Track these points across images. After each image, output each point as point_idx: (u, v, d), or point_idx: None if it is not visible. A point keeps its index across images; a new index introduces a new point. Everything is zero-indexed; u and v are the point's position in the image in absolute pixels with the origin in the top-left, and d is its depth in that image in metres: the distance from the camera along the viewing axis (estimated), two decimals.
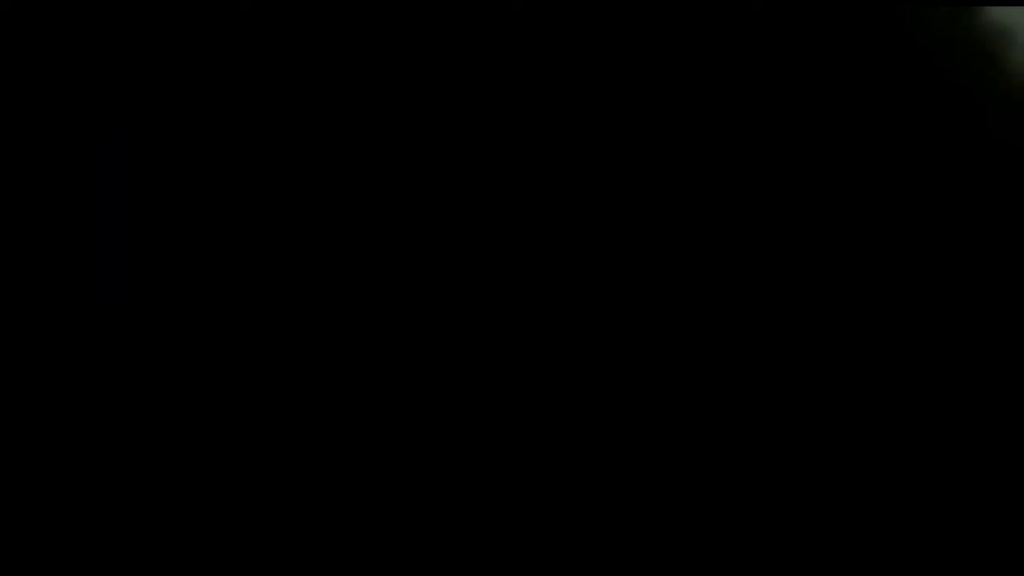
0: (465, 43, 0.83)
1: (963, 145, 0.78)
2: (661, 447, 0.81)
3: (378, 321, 0.83)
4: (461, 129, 0.84)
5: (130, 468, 0.81)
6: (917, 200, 0.80)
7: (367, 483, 0.81)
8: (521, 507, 0.81)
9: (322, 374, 0.82)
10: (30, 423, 0.81)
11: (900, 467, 0.80)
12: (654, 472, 0.81)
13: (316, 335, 0.83)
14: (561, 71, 0.84)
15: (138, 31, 0.83)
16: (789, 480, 0.81)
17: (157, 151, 0.83)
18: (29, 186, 0.83)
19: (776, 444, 0.81)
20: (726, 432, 0.81)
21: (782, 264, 0.82)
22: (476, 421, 0.82)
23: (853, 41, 0.80)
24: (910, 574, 0.80)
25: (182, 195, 0.83)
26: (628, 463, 0.81)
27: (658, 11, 0.83)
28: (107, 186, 0.83)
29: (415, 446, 0.82)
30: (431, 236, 0.83)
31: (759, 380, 0.81)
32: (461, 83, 0.83)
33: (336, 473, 0.81)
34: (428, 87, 0.84)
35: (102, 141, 0.83)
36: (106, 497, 0.80)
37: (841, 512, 0.81)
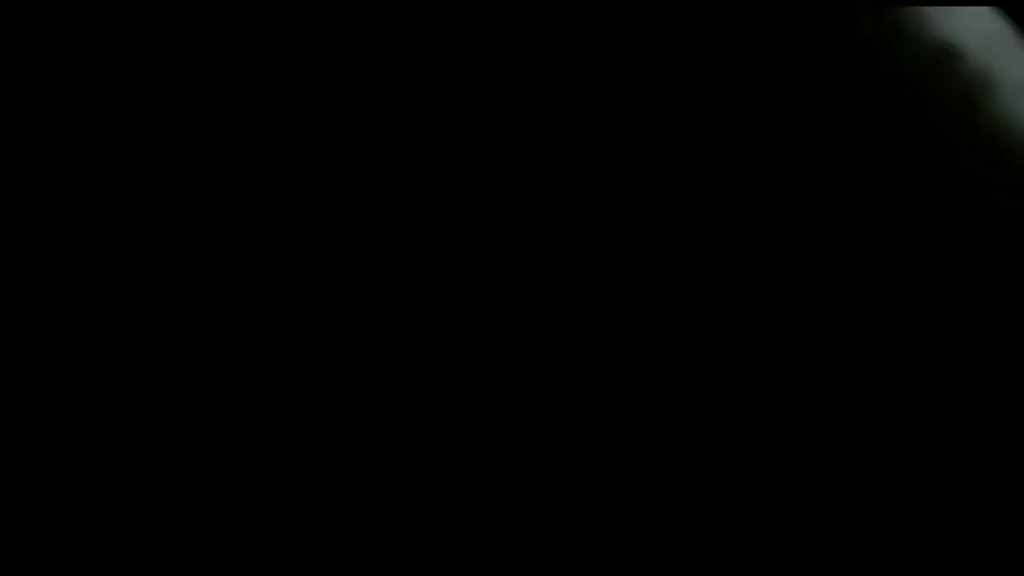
0: (465, 43, 0.83)
1: (942, 191, 0.79)
2: (653, 445, 0.82)
3: (378, 321, 0.83)
4: (461, 129, 0.84)
5: (130, 468, 0.81)
6: (896, 245, 0.81)
7: (367, 483, 0.81)
8: (521, 507, 0.81)
9: (322, 374, 0.82)
10: (30, 423, 0.81)
11: (889, 467, 0.80)
12: (646, 472, 0.81)
13: (316, 335, 0.83)
14: (561, 71, 0.84)
15: (138, 31, 0.83)
16: (781, 479, 0.81)
17: (157, 151, 0.83)
18: (29, 186, 0.83)
19: (770, 444, 0.81)
20: (719, 431, 0.82)
21: (772, 274, 0.82)
22: (476, 421, 0.82)
23: (833, 88, 0.81)
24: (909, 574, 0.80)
25: (182, 195, 0.83)
26: (621, 463, 0.82)
27: (658, 11, 0.83)
28: (107, 186, 0.83)
29: (415, 446, 0.82)
30: (432, 236, 0.83)
31: (752, 380, 0.82)
32: (461, 83, 0.84)
33: (336, 473, 0.81)
34: (428, 87, 0.84)
35: (102, 141, 0.83)
36: (106, 497, 0.80)
37: (837, 511, 0.81)
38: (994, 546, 0.80)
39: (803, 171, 0.82)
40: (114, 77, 0.83)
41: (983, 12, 0.74)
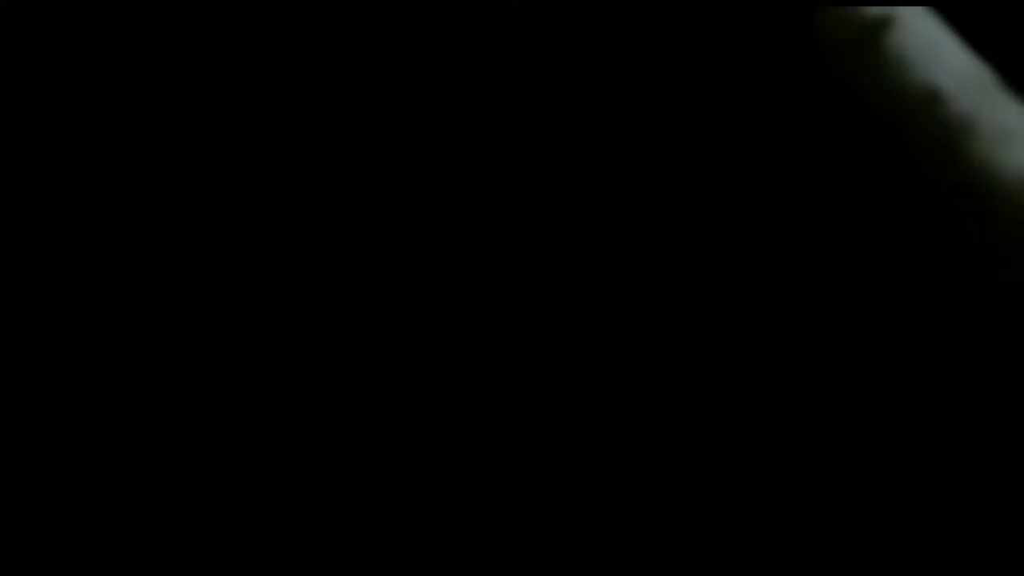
0: (465, 43, 0.83)
1: (923, 232, 0.79)
2: (648, 444, 0.82)
3: (378, 320, 0.83)
4: (461, 129, 0.84)
5: (130, 468, 0.80)
6: (876, 283, 0.81)
7: (367, 483, 0.81)
8: (521, 507, 0.81)
9: (322, 374, 0.82)
10: (30, 423, 0.80)
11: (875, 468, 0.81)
12: (642, 471, 0.81)
13: (316, 335, 0.82)
14: (561, 71, 0.84)
15: (138, 31, 0.83)
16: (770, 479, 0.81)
17: (157, 151, 0.83)
18: (29, 186, 0.83)
19: (764, 443, 0.81)
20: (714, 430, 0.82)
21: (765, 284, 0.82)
22: (476, 421, 0.82)
23: (817, 129, 0.81)
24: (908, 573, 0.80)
25: (182, 195, 0.83)
26: (619, 462, 0.82)
27: (658, 11, 0.83)
28: (107, 186, 0.82)
29: (415, 446, 0.82)
30: (432, 236, 0.83)
31: (747, 381, 0.82)
32: (461, 83, 0.84)
33: (336, 473, 0.81)
34: (428, 87, 0.84)
35: (102, 141, 0.83)
36: (106, 497, 0.80)
37: (832, 511, 0.81)
38: (992, 547, 0.80)
39: (787, 213, 0.82)
40: (114, 77, 0.83)
41: (964, 57, 0.75)
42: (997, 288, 0.75)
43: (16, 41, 0.83)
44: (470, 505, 0.80)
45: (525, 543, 0.80)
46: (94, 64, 0.83)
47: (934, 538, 0.79)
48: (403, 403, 0.82)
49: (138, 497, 0.80)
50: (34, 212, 0.83)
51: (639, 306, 0.83)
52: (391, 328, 0.82)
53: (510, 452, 0.81)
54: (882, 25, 0.76)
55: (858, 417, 0.80)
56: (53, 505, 0.79)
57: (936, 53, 0.76)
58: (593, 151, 0.84)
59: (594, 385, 0.82)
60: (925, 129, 0.74)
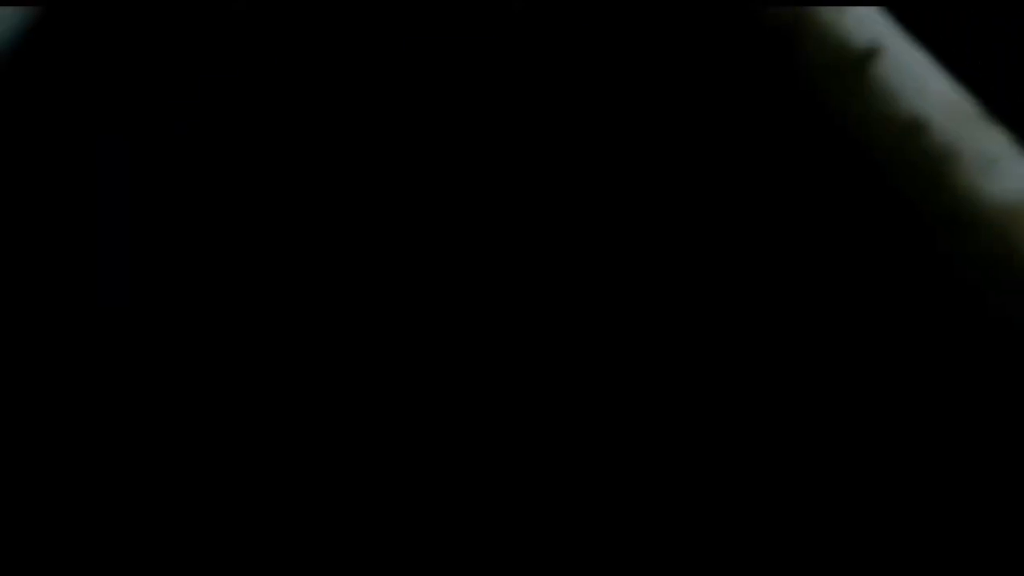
0: (465, 43, 0.83)
1: (909, 263, 0.80)
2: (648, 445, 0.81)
3: (378, 320, 0.82)
4: (461, 129, 0.84)
5: (128, 468, 0.80)
6: (861, 313, 0.82)
7: (367, 483, 0.81)
8: (521, 507, 0.81)
9: (322, 374, 0.82)
10: (27, 423, 0.80)
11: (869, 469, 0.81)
12: (641, 471, 0.81)
13: (316, 335, 0.82)
14: (561, 71, 0.84)
15: (134, 31, 0.83)
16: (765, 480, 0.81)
17: (153, 151, 0.83)
18: (23, 186, 0.82)
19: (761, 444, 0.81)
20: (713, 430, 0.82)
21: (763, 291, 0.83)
22: (476, 421, 0.82)
23: (801, 158, 0.82)
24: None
25: (178, 195, 0.82)
26: (618, 462, 0.81)
27: (659, 11, 0.83)
28: (102, 186, 0.82)
29: (415, 447, 0.81)
30: (431, 236, 0.83)
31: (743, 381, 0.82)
32: (461, 83, 0.84)
33: (336, 473, 0.81)
34: (428, 87, 0.84)
35: (97, 141, 0.82)
36: (106, 497, 0.79)
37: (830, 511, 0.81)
38: (990, 548, 0.80)
39: (770, 237, 0.83)
40: (110, 77, 0.83)
41: (948, 87, 0.77)
42: (984, 313, 0.76)
43: (14, 40, 0.83)
44: (470, 505, 0.80)
45: (525, 543, 0.80)
46: (89, 64, 0.83)
47: (926, 540, 0.79)
48: (404, 403, 0.81)
49: (137, 497, 0.79)
50: (29, 212, 0.82)
51: (629, 308, 0.83)
52: (391, 327, 0.82)
53: (510, 452, 0.81)
54: (867, 55, 0.77)
55: (842, 433, 0.80)
56: (52, 505, 0.79)
57: (920, 82, 0.77)
58: (592, 152, 0.84)
59: (584, 385, 0.82)
60: (909, 158, 0.76)
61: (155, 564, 0.78)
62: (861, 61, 0.77)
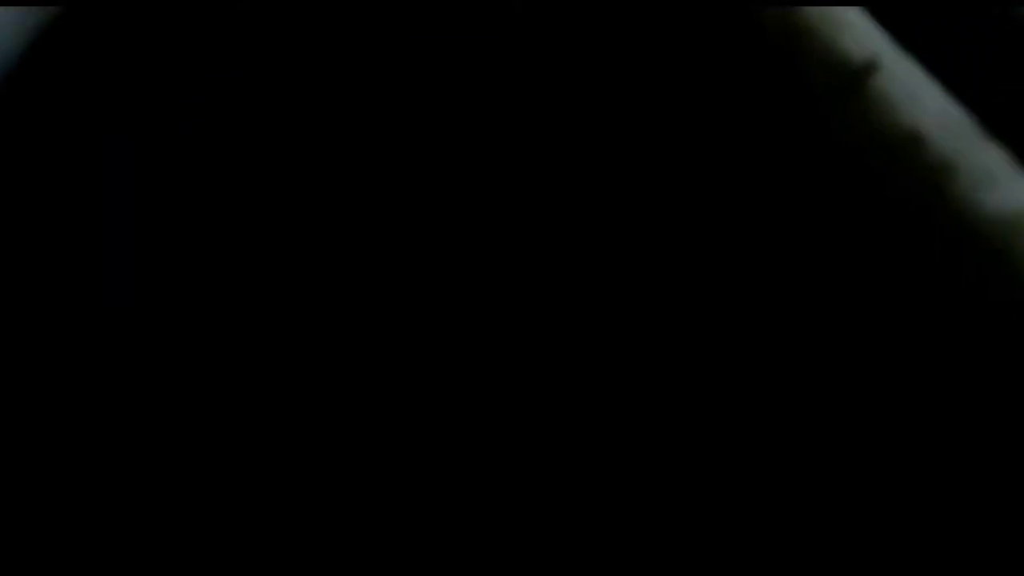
0: (465, 43, 0.83)
1: (911, 275, 0.80)
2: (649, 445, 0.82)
3: (378, 321, 0.83)
4: (461, 129, 0.84)
5: (130, 468, 0.80)
6: (865, 322, 0.82)
7: (367, 483, 0.81)
8: (521, 507, 0.81)
9: (323, 374, 0.82)
10: (29, 423, 0.80)
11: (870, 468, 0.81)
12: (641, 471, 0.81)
13: (317, 335, 0.82)
14: (561, 71, 0.84)
15: (137, 31, 0.83)
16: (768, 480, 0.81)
17: (157, 151, 0.83)
18: (29, 186, 0.83)
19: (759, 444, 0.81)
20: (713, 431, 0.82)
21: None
22: (476, 421, 0.82)
23: (802, 173, 0.82)
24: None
25: (182, 195, 0.83)
26: (617, 463, 0.82)
27: (659, 11, 0.83)
28: (107, 186, 0.82)
29: (416, 447, 0.82)
30: (432, 236, 0.83)
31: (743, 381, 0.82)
32: (461, 83, 0.84)
33: (336, 473, 0.81)
34: (428, 87, 0.84)
35: (102, 141, 0.83)
36: (106, 497, 0.80)
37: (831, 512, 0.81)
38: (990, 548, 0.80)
39: (768, 248, 0.83)
40: (114, 77, 0.83)
41: (946, 101, 0.77)
42: (980, 317, 0.76)
43: (15, 40, 0.83)
44: (470, 505, 0.80)
45: (525, 543, 0.80)
46: (94, 64, 0.83)
47: (926, 540, 0.79)
48: (404, 403, 0.82)
49: (138, 497, 0.80)
50: (34, 212, 0.83)
51: (628, 309, 0.83)
52: (392, 328, 0.82)
53: (510, 452, 0.81)
54: (866, 69, 0.78)
55: (842, 434, 0.81)
56: (53, 505, 0.79)
57: (918, 97, 0.78)
58: (592, 153, 0.84)
59: (582, 386, 0.82)
60: (907, 172, 0.76)
61: (155, 564, 0.79)
62: (859, 74, 0.77)
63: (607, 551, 0.81)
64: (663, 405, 0.82)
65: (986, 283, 0.73)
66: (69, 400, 0.81)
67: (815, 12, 0.80)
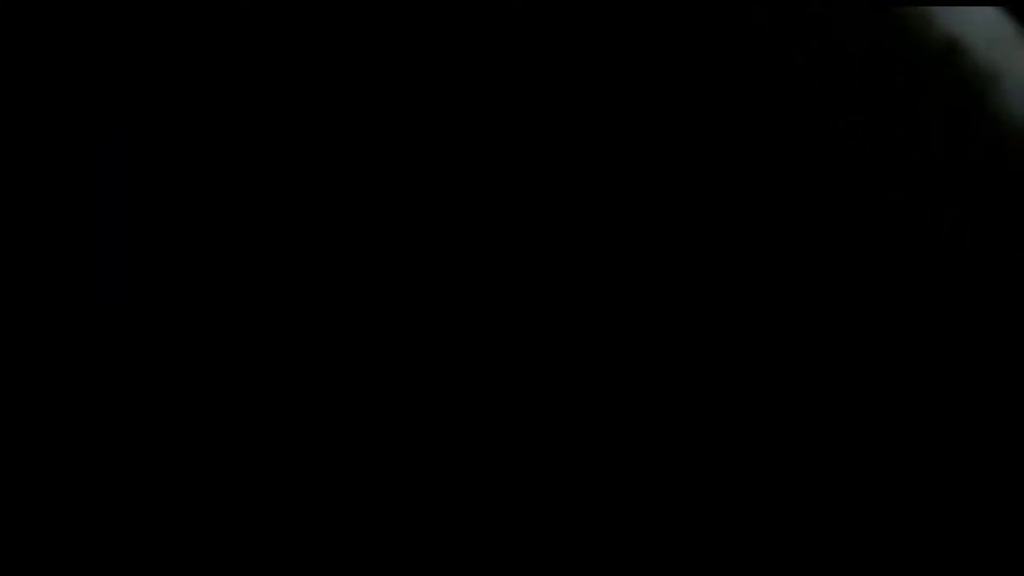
0: (465, 43, 0.83)
1: (950, 184, 0.79)
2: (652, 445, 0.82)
3: (379, 321, 0.83)
4: (461, 129, 0.84)
5: (130, 468, 0.80)
6: (903, 237, 0.81)
7: (367, 483, 0.81)
8: (521, 507, 0.81)
9: (323, 374, 0.82)
10: (29, 423, 0.81)
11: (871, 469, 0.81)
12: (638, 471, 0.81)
13: (317, 335, 0.83)
14: (561, 71, 0.84)
15: (138, 31, 0.84)
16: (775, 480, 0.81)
17: (157, 151, 0.83)
18: (28, 186, 0.83)
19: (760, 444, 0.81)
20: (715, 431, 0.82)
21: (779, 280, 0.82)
22: (476, 422, 0.82)
23: (842, 83, 0.82)
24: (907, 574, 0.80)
25: (182, 195, 0.83)
26: (617, 463, 0.82)
27: (659, 11, 0.83)
28: (107, 186, 0.82)
29: (416, 448, 0.82)
30: (432, 236, 0.83)
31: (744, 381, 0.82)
32: (461, 83, 0.84)
33: (336, 473, 0.81)
34: (428, 87, 0.84)
35: (102, 141, 0.83)
36: (106, 497, 0.80)
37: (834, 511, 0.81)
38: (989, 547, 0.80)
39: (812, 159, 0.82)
40: (114, 77, 0.83)
41: (987, 10, 0.75)
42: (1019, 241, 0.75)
43: (16, 41, 0.83)
44: (469, 505, 0.81)
45: (525, 543, 0.80)
46: (94, 64, 0.83)
47: (927, 539, 0.80)
48: (404, 404, 0.82)
49: (138, 497, 0.80)
50: (33, 212, 0.83)
51: (628, 310, 0.83)
52: (392, 328, 0.83)
53: (510, 452, 0.81)
54: None
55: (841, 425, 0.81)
56: (53, 505, 0.80)
57: (960, 7, 0.76)
58: (592, 153, 0.84)
59: (581, 387, 0.82)
60: (947, 82, 0.75)
61: (155, 564, 0.79)
62: None
63: (607, 551, 0.81)
64: (663, 405, 0.82)
65: None
66: (69, 400, 0.81)
67: None
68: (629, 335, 0.83)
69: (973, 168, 0.75)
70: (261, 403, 0.82)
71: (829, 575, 0.81)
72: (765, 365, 0.82)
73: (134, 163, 0.83)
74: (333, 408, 0.82)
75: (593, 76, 0.84)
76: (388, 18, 0.84)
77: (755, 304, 0.82)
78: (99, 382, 0.81)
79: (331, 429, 0.81)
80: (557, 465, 0.82)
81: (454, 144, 0.84)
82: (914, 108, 0.76)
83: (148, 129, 0.83)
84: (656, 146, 0.84)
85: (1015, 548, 0.80)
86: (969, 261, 0.78)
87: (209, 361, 0.82)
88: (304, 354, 0.82)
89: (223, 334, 0.82)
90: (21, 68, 0.83)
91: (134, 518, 0.80)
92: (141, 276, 0.82)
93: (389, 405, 0.82)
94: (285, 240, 0.83)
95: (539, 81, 0.84)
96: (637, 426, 0.82)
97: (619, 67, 0.84)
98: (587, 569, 0.81)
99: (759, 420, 0.81)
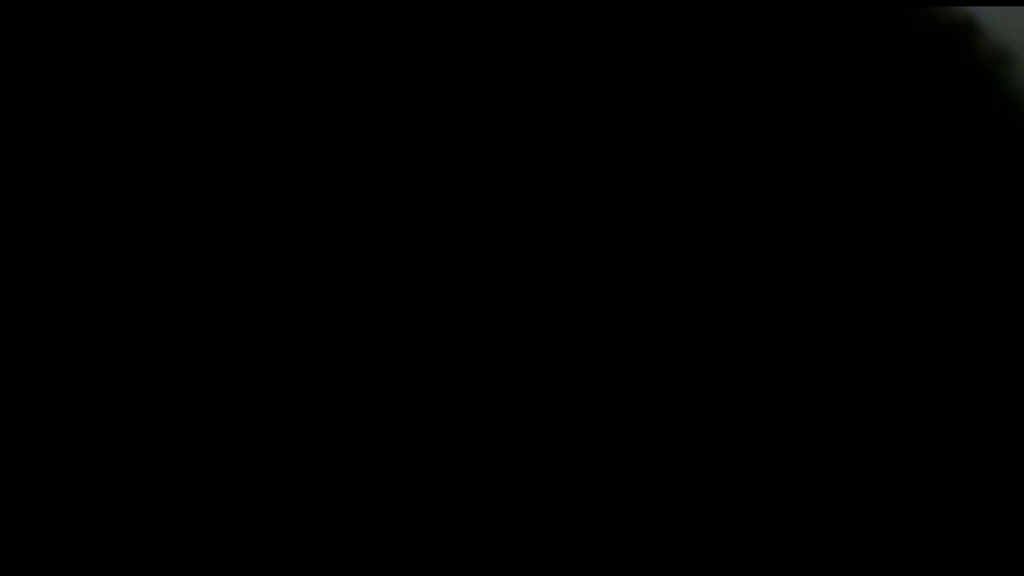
0: (465, 43, 0.84)
1: (965, 164, 0.79)
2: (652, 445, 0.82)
3: (379, 321, 0.83)
4: (461, 129, 0.84)
5: (130, 468, 0.80)
6: (923, 219, 0.81)
7: (367, 483, 0.81)
8: (521, 507, 0.81)
9: (323, 374, 0.82)
10: (29, 423, 0.81)
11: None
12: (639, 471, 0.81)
13: (317, 335, 0.83)
14: (561, 71, 0.84)
15: (138, 31, 0.84)
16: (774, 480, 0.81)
17: (157, 151, 0.83)
18: (28, 186, 0.83)
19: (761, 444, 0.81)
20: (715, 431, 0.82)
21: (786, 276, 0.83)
22: (476, 422, 0.82)
23: (842, 83, 0.82)
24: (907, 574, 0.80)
25: (182, 195, 0.83)
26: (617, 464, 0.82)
27: (659, 11, 0.83)
28: (107, 186, 0.83)
29: (415, 447, 0.82)
30: (432, 236, 0.84)
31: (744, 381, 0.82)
32: (461, 83, 0.84)
33: (336, 473, 0.81)
34: (428, 87, 0.84)
35: (102, 141, 0.83)
36: (106, 497, 0.80)
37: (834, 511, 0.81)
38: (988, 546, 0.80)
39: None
40: (114, 77, 0.83)
41: None
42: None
43: (16, 41, 0.83)
44: (469, 505, 0.81)
45: (525, 543, 0.81)
46: (94, 64, 0.83)
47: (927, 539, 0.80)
48: (404, 403, 0.82)
49: (138, 497, 0.80)
50: (33, 212, 0.83)
51: (628, 311, 0.83)
52: (392, 328, 0.83)
53: (510, 452, 0.81)
54: None
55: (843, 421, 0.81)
56: (53, 505, 0.80)
57: None
58: (594, 152, 0.84)
59: (580, 387, 0.82)
60: (962, 63, 0.74)
61: (155, 564, 0.79)
62: None
63: (607, 551, 0.81)
64: (663, 403, 0.82)
65: None
66: (69, 400, 0.81)
67: None
68: (629, 334, 0.83)
69: (984, 158, 0.75)
70: (261, 402, 0.82)
71: (829, 575, 0.81)
72: (766, 365, 0.82)
73: (134, 163, 0.83)
74: (334, 407, 0.82)
75: (593, 76, 0.84)
76: (388, 18, 0.84)
77: (755, 304, 0.82)
78: (99, 382, 0.81)
79: (331, 428, 0.81)
80: (557, 464, 0.82)
81: (454, 144, 0.84)
82: (924, 95, 0.76)
83: (148, 129, 0.83)
84: (656, 146, 0.84)
85: (1015, 548, 0.80)
86: (973, 261, 0.78)
87: (209, 361, 0.82)
88: (305, 354, 0.82)
89: (223, 334, 0.82)
90: (21, 68, 0.83)
91: (134, 518, 0.80)
92: (141, 276, 0.82)
93: (389, 404, 0.82)
94: (285, 240, 0.83)
95: (539, 81, 0.84)
96: (637, 425, 0.82)
97: (619, 67, 0.84)
98: (587, 569, 0.81)
99: (759, 420, 0.81)
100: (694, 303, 0.83)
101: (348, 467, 0.81)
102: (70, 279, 0.82)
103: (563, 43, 0.84)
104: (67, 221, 0.82)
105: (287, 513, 0.80)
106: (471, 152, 0.84)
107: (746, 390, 0.82)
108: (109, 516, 0.80)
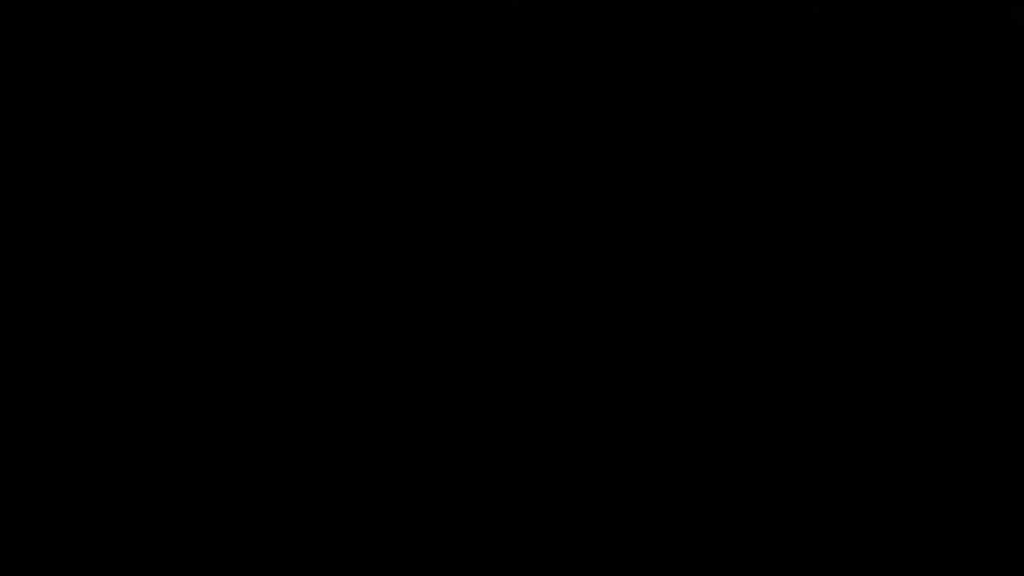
0: (465, 43, 0.83)
1: (964, 164, 0.79)
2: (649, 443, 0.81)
3: (378, 320, 0.82)
4: (461, 128, 0.84)
5: (130, 467, 0.80)
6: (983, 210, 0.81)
7: (367, 483, 0.81)
8: (521, 507, 0.81)
9: (322, 373, 0.82)
10: (30, 422, 0.80)
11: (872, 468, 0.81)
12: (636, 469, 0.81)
13: (316, 334, 0.82)
14: (561, 71, 0.84)
15: (138, 31, 0.83)
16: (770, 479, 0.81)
17: (157, 151, 0.83)
18: (29, 186, 0.82)
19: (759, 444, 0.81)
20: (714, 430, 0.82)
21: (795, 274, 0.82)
22: (476, 421, 0.82)
23: (842, 83, 0.81)
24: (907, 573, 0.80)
25: (182, 195, 0.83)
26: (610, 460, 0.81)
27: (660, 11, 0.83)
28: (107, 186, 0.82)
29: (415, 446, 0.81)
30: (431, 235, 0.83)
31: (745, 380, 0.82)
32: (461, 83, 0.84)
33: (336, 472, 0.81)
34: (428, 87, 0.84)
35: (102, 141, 0.83)
36: (106, 496, 0.80)
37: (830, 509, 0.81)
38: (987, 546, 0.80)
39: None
40: (114, 77, 0.83)
41: None
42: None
43: (16, 41, 0.83)
44: (468, 505, 0.80)
45: (525, 543, 0.80)
46: (94, 64, 0.83)
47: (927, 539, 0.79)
48: (403, 403, 0.82)
49: (138, 496, 0.80)
50: (34, 212, 0.82)
51: (627, 309, 0.83)
52: (391, 327, 0.82)
53: (510, 452, 0.81)
54: None
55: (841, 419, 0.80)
56: (53, 504, 0.79)
57: None
58: (593, 152, 0.84)
59: (580, 387, 0.82)
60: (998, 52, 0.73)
61: (155, 564, 0.78)
62: None
63: (607, 551, 0.80)
64: (662, 402, 0.82)
65: None
66: (69, 399, 0.81)
67: None
68: (629, 333, 0.82)
69: (984, 158, 0.74)
70: (260, 402, 0.81)
71: (829, 575, 0.80)
72: (766, 363, 0.82)
73: (134, 163, 0.83)
74: (332, 406, 0.81)
75: (593, 76, 0.84)
76: (388, 18, 0.84)
77: (756, 302, 0.82)
78: (99, 381, 0.81)
79: (330, 427, 0.81)
80: (556, 462, 0.81)
81: (454, 143, 0.84)
82: (924, 95, 0.76)
83: (148, 129, 0.83)
84: (656, 145, 0.83)
85: (1015, 547, 0.80)
86: (973, 261, 0.78)
87: (209, 360, 0.82)
88: (303, 353, 0.82)
89: (223, 333, 0.82)
90: (21, 68, 0.83)
91: (134, 516, 0.80)
92: (141, 276, 0.82)
93: (388, 403, 0.82)
94: (285, 239, 0.83)
95: (539, 81, 0.84)
96: (637, 425, 0.82)
97: (619, 67, 0.84)
98: (587, 569, 0.81)
99: (759, 418, 0.81)
100: (694, 300, 0.82)
101: (346, 464, 0.81)
102: (70, 279, 0.82)
103: (563, 43, 0.84)
104: (67, 221, 0.82)
105: (286, 510, 0.80)
106: (471, 151, 0.84)
107: (746, 386, 0.81)
108: (109, 513, 0.80)
